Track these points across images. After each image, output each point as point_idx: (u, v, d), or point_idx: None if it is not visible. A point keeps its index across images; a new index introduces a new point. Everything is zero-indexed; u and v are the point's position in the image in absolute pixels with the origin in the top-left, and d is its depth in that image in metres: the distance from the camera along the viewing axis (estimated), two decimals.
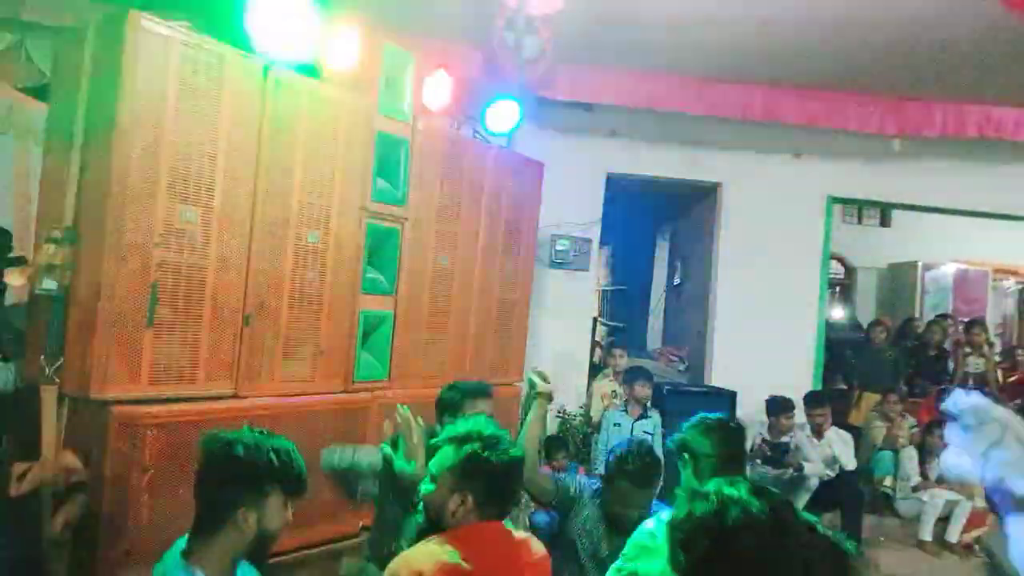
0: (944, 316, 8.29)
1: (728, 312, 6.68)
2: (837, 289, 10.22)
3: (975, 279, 9.67)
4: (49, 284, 2.89)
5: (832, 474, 5.60)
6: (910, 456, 6.15)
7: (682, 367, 7.19)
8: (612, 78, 5.60)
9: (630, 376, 5.51)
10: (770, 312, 6.49)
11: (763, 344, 6.35)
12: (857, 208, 9.92)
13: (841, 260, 10.19)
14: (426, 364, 4.26)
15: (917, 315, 8.99)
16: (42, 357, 2.88)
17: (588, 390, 6.24)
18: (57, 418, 2.89)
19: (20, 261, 4.03)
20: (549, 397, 3.16)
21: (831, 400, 6.15)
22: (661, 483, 2.99)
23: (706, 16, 4.66)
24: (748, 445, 4.98)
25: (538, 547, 2.02)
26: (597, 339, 7.77)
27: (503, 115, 4.91)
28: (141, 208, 2.90)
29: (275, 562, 2.72)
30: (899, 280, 10.08)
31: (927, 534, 5.84)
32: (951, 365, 7.54)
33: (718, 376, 6.55)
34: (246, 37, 3.25)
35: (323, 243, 3.61)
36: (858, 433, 6.30)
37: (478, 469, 1.89)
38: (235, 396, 3.28)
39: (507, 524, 1.98)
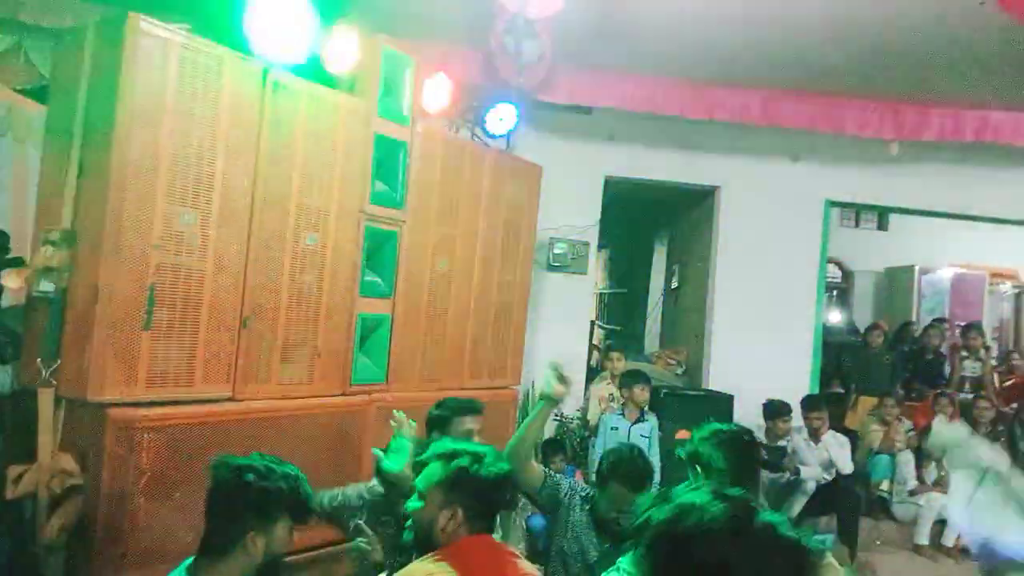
0: (941, 320, 8.30)
1: (726, 316, 6.69)
2: (834, 293, 10.22)
3: (972, 283, 9.70)
4: (46, 286, 2.89)
5: (829, 478, 5.60)
6: (907, 460, 6.16)
7: (680, 370, 7.19)
8: (611, 82, 5.61)
9: (628, 379, 5.50)
10: (767, 316, 6.50)
11: (760, 347, 6.35)
12: (855, 212, 9.92)
13: (838, 264, 10.20)
14: (424, 367, 4.26)
15: (914, 319, 9.01)
16: (39, 359, 2.88)
17: (585, 393, 6.24)
18: (54, 421, 2.88)
19: (18, 263, 4.02)
20: (555, 402, 2.98)
21: (828, 404, 6.16)
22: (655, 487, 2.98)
23: (704, 20, 4.67)
24: None
25: (528, 564, 2.02)
26: (595, 342, 7.78)
27: (502, 118, 4.92)
28: (139, 211, 2.90)
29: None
30: (896, 284, 10.10)
31: (924, 538, 5.84)
32: (948, 369, 7.57)
33: (715, 379, 6.56)
34: (245, 40, 3.25)
35: (321, 246, 3.61)
36: (855, 437, 6.30)
37: (467, 483, 1.91)
38: (232, 399, 3.27)
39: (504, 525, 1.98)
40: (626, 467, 2.84)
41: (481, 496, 1.92)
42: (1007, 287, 10.32)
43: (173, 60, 2.97)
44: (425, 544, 1.91)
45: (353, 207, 3.77)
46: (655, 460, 4.97)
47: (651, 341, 8.74)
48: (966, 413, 6.63)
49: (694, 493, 1.21)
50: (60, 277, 2.90)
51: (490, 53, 4.79)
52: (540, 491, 3.03)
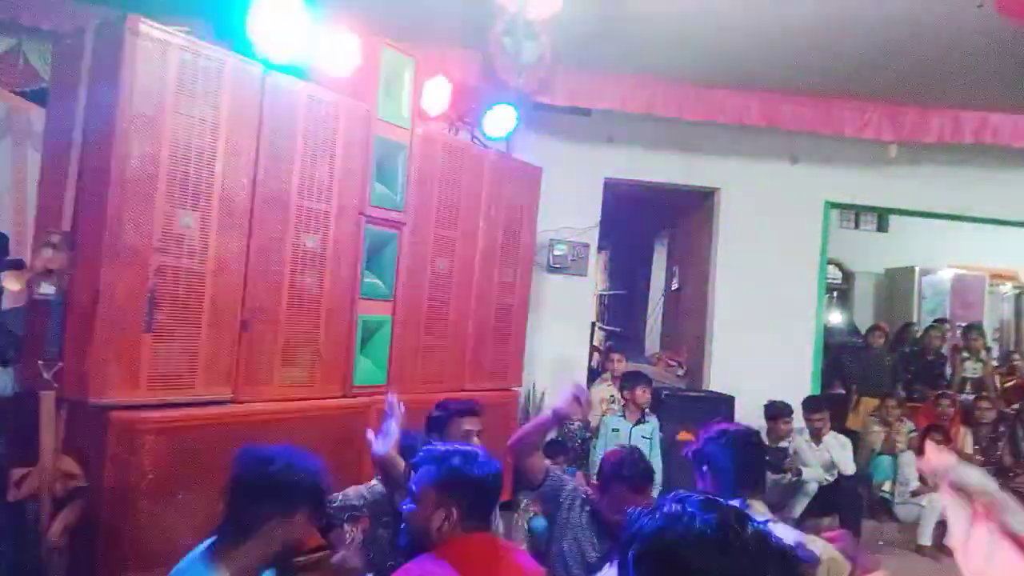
0: (941, 321, 8.29)
1: (726, 317, 6.69)
2: (835, 294, 10.22)
3: (972, 284, 9.70)
4: (47, 289, 2.89)
5: (831, 479, 5.60)
6: (908, 461, 6.14)
7: (680, 372, 7.19)
8: (610, 83, 5.61)
9: (629, 381, 5.50)
10: (768, 317, 6.49)
11: (761, 349, 6.35)
12: (854, 213, 9.93)
13: (839, 265, 10.20)
14: (425, 369, 4.26)
15: (915, 320, 9.00)
16: (40, 362, 2.88)
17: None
18: (55, 423, 2.88)
19: (18, 265, 4.02)
20: (560, 420, 2.95)
21: (829, 405, 6.14)
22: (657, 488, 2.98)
23: (704, 22, 4.68)
24: None
25: (528, 559, 2.03)
26: (595, 344, 7.78)
27: (501, 120, 4.92)
28: (139, 213, 2.90)
29: None
30: (897, 285, 10.10)
31: (926, 539, 5.82)
32: (949, 370, 7.56)
33: (716, 381, 6.55)
34: (246, 41, 3.25)
35: (322, 248, 3.61)
36: (856, 438, 6.30)
37: (461, 482, 1.91)
38: (233, 401, 3.27)
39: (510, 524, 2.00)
40: (629, 468, 2.84)
41: (475, 494, 1.93)
42: (1007, 288, 10.32)
43: (173, 62, 2.98)
44: (422, 545, 1.92)
45: (353, 209, 3.77)
46: (657, 461, 4.97)
47: (652, 342, 8.74)
48: (967, 414, 6.63)
49: (679, 503, 1.21)
50: (61, 279, 2.90)
51: (489, 55, 4.80)
52: (542, 484, 3.02)
